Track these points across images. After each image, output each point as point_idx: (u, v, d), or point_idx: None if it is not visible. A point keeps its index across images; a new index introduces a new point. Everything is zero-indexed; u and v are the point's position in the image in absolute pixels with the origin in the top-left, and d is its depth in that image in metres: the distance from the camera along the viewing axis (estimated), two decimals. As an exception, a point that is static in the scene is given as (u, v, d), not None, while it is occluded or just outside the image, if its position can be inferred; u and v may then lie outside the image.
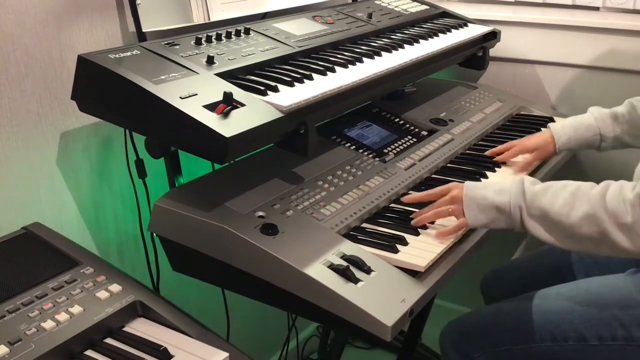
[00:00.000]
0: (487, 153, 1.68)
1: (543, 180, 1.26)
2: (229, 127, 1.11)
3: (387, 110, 1.80)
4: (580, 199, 1.16)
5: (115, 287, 1.09)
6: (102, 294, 1.07)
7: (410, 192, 1.46)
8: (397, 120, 1.76)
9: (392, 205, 1.40)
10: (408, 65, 1.58)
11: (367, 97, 1.63)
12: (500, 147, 1.68)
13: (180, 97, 1.14)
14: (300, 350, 2.21)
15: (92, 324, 1.02)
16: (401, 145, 1.63)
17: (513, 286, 1.63)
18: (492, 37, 2.04)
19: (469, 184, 1.28)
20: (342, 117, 1.69)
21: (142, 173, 1.48)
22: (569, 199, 1.17)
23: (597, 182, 1.18)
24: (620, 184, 1.15)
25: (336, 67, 1.44)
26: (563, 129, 1.68)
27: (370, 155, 1.53)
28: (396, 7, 2.00)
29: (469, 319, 1.47)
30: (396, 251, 1.19)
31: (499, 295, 1.63)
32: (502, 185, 1.25)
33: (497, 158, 1.65)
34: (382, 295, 1.08)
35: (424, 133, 1.73)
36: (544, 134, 1.70)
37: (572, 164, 1.93)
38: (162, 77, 1.19)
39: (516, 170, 1.61)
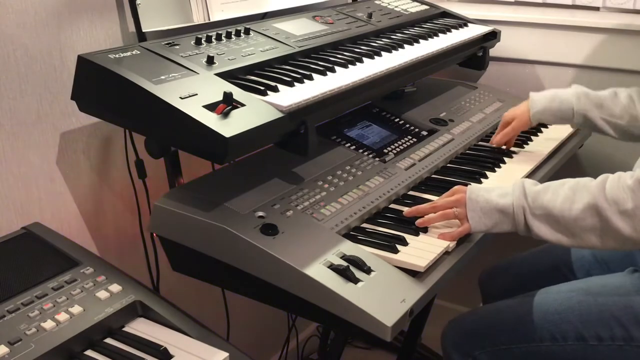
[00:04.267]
0: (493, 144, 1.72)
1: (542, 180, 1.27)
2: (229, 127, 1.11)
3: (387, 110, 1.80)
4: (580, 191, 1.17)
5: (115, 287, 1.09)
6: (102, 294, 1.07)
7: (410, 192, 1.46)
8: (397, 120, 1.76)
9: (392, 205, 1.40)
10: (408, 65, 1.58)
11: (367, 97, 1.63)
12: (498, 137, 1.71)
13: (180, 97, 1.14)
14: (300, 350, 2.21)
15: (92, 324, 1.02)
16: (401, 145, 1.63)
17: (512, 283, 1.63)
18: (492, 37, 2.04)
19: (471, 187, 1.28)
20: (342, 117, 1.69)
21: (142, 173, 1.48)
22: (570, 194, 1.17)
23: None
24: (619, 173, 1.16)
25: (336, 67, 1.44)
26: (540, 100, 1.68)
27: (370, 155, 1.53)
28: (396, 7, 2.00)
29: (470, 318, 1.47)
30: (396, 251, 1.19)
31: (497, 292, 1.64)
32: (504, 189, 1.25)
33: (495, 142, 1.72)
34: (382, 296, 1.08)
35: (424, 133, 1.73)
36: (522, 104, 1.71)
37: (572, 164, 1.93)
38: (162, 77, 1.19)
39: (498, 144, 1.70)
